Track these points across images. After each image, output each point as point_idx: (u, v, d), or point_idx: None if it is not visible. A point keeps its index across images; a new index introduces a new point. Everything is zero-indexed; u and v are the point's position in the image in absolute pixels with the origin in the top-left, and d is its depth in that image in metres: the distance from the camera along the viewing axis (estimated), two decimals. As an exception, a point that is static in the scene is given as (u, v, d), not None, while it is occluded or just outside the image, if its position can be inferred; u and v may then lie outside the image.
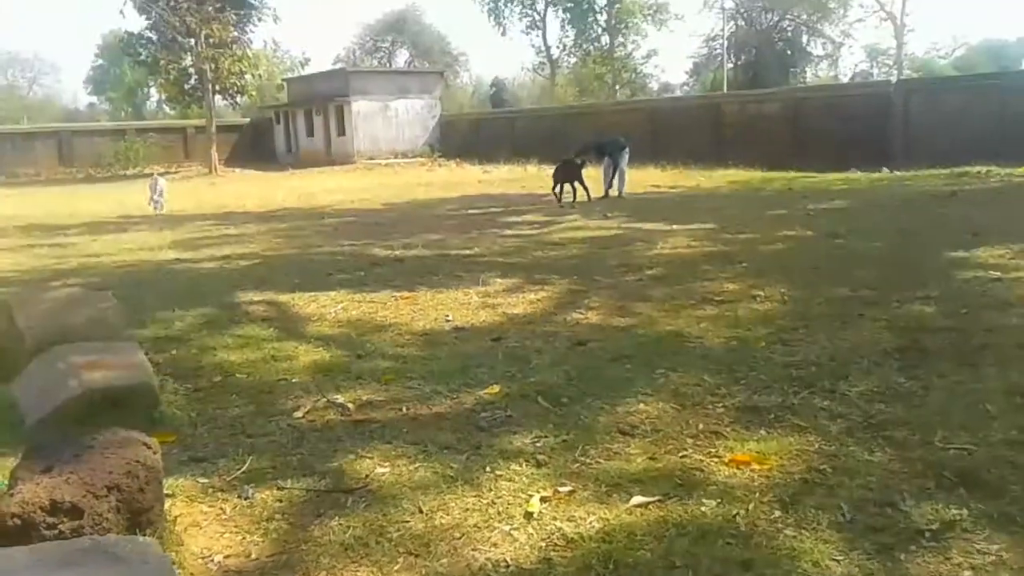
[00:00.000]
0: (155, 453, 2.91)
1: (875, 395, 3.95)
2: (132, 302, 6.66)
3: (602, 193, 15.59)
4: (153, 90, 58.29)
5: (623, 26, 53.10)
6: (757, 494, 3.00)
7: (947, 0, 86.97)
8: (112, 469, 2.75)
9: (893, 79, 30.56)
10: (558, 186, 14.87)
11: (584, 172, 14.90)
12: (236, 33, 33.99)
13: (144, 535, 2.62)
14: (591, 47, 54.77)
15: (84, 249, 11.11)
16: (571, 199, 14.71)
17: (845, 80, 53.51)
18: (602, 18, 53.51)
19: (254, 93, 40.23)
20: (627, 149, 15.80)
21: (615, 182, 15.62)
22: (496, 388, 4.31)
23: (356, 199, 18.48)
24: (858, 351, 4.66)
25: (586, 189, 14.83)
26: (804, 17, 54.27)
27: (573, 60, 57.08)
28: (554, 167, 15.51)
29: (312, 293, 7.05)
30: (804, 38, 55.76)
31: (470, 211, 14.62)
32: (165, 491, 2.99)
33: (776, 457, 3.31)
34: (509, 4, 54.93)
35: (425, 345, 5.29)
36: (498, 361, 4.83)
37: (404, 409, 4.07)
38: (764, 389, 4.13)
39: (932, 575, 2.47)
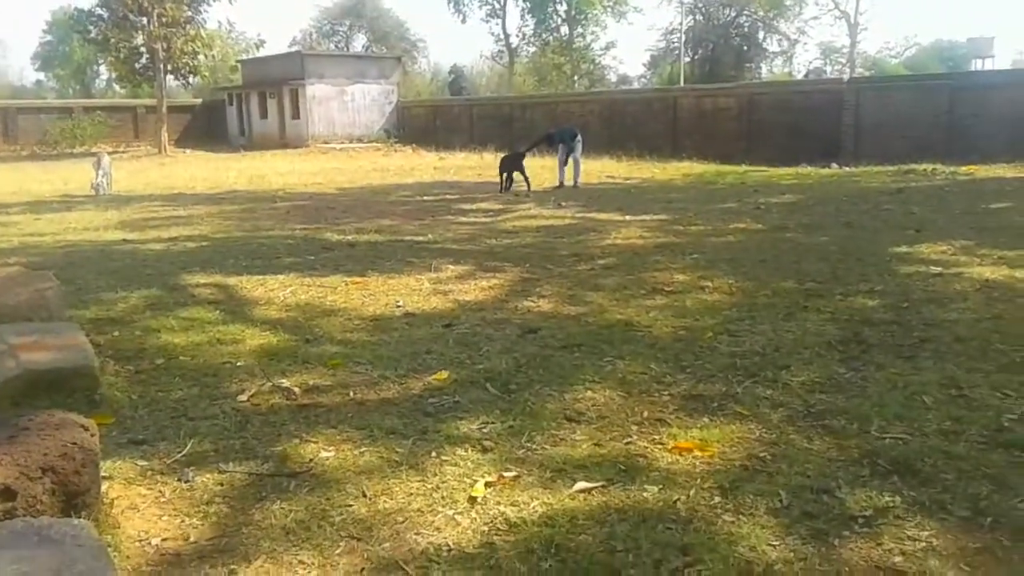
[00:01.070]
0: (92, 435, 2.85)
1: (816, 385, 4.02)
2: (74, 283, 6.55)
3: (556, 183, 15.69)
4: (103, 68, 56.92)
5: (583, 17, 53.21)
6: (698, 480, 3.04)
7: (900, 1, 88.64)
8: (47, 451, 2.69)
9: (846, 77, 31.06)
10: (504, 175, 15.11)
11: (525, 162, 15.28)
12: (190, 13, 33.30)
13: (79, 518, 2.57)
14: (550, 37, 54.80)
15: (26, 228, 10.84)
16: (525, 189, 14.83)
17: (799, 76, 54.31)
18: (562, 8, 53.53)
19: (207, 74, 39.47)
20: (579, 138, 15.87)
21: (571, 171, 15.69)
22: (445, 374, 4.31)
23: (309, 183, 18.29)
24: (802, 342, 4.75)
25: (527, 179, 15.02)
26: (761, 13, 54.94)
27: (532, 49, 57.03)
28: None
29: (261, 276, 6.97)
30: (760, 34, 56.47)
31: (424, 197, 14.56)
32: (102, 474, 2.94)
33: (718, 444, 3.35)
34: (469, -9, 54.65)
35: (374, 330, 5.26)
36: (448, 347, 4.83)
37: (351, 394, 4.05)
38: (709, 378, 4.19)
39: (864, 560, 2.53)
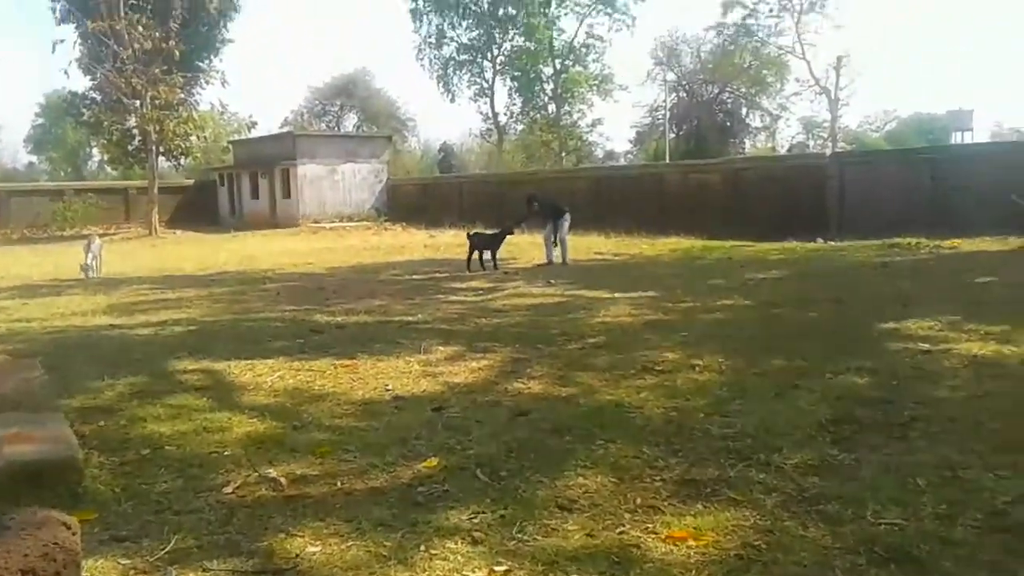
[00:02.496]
0: (74, 534, 2.79)
1: (809, 468, 3.99)
2: (61, 370, 6.49)
3: (544, 260, 15.80)
4: (95, 150, 57.66)
5: (569, 95, 54.42)
6: (693, 572, 2.99)
7: (879, 75, 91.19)
8: (28, 552, 2.62)
9: (828, 151, 31.66)
10: (488, 254, 15.40)
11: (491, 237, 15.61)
12: (183, 95, 33.88)
13: (58, 623, 2.50)
14: (538, 115, 55.90)
15: (13, 313, 10.80)
16: (492, 265, 15.12)
17: (783, 151, 55.39)
18: (549, 87, 54.77)
19: (199, 155, 39.97)
20: (567, 216, 16.03)
21: (558, 250, 15.82)
22: (434, 461, 4.26)
23: (299, 263, 18.36)
24: (794, 423, 4.72)
25: (478, 261, 15.19)
26: (743, 90, 56.43)
27: (520, 127, 58.11)
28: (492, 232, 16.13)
29: (249, 361, 6.93)
30: (743, 110, 57.90)
31: (414, 276, 14.62)
32: (84, 573, 2.86)
33: (712, 533, 3.31)
34: (458, 72, 55.87)
35: (363, 415, 5.22)
36: (437, 432, 4.79)
37: (339, 483, 3.99)
38: (701, 461, 4.15)
39: (864, 655, 2.47)
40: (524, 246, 18.64)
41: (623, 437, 4.57)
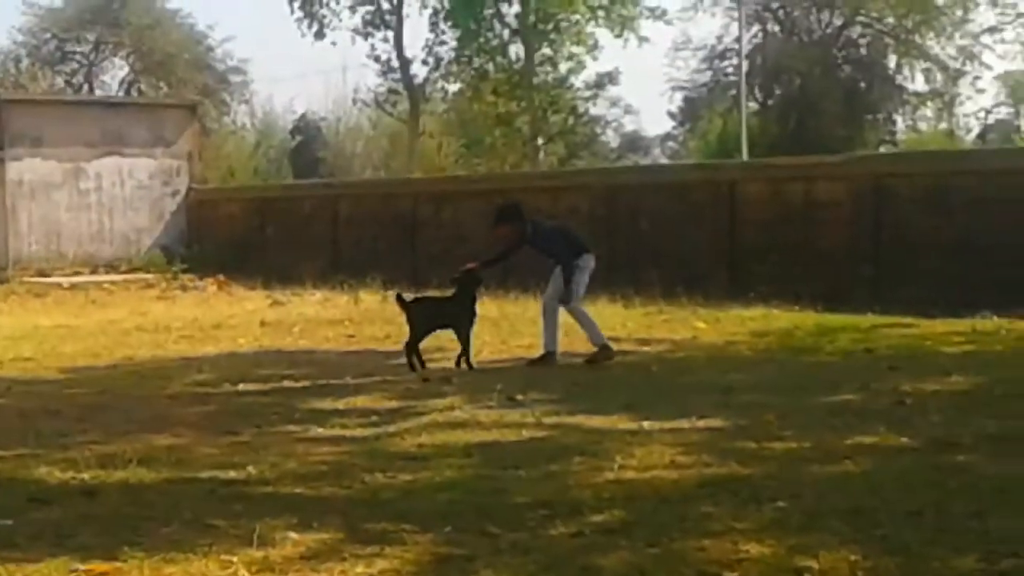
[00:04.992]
0: None
1: None
2: None
3: (541, 351, 15.87)
4: None
5: (551, 28, 54.34)
6: None
7: None
8: None
9: (1055, 141, 32.32)
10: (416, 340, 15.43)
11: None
12: None
13: None
14: (489, 64, 55.75)
15: None
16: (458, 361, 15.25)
17: (969, 138, 56.33)
18: (512, 10, 54.72)
19: None
20: (589, 258, 16.09)
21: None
22: None
23: (8, 358, 18.24)
24: None
25: (465, 347, 15.42)
26: (889, 22, 56.98)
27: (454, 87, 58.38)
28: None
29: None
30: (891, 60, 58.56)
31: (241, 387, 14.56)
32: None
33: None
34: (332, -19, 56.29)
35: None
36: None
37: None
38: None
39: None
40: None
41: None
